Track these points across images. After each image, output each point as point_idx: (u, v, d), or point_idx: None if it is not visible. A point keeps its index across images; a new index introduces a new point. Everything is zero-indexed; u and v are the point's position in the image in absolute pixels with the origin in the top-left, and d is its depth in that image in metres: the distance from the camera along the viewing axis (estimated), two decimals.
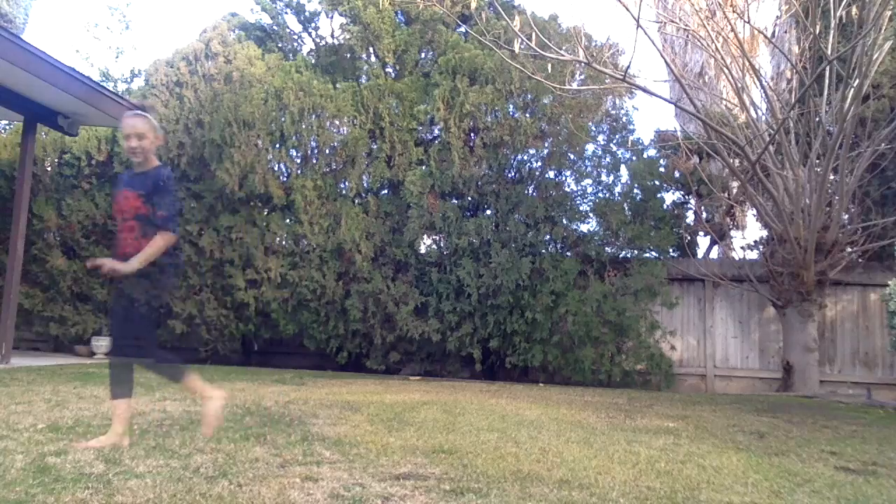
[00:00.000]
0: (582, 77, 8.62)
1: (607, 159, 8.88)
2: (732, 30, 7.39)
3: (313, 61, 10.04)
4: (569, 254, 8.61)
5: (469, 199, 8.68)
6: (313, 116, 8.74)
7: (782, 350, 8.37)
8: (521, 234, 8.28)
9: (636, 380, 8.28)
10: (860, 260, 8.52)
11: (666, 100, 8.89)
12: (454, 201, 8.67)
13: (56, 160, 9.73)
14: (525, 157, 8.81)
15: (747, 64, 7.59)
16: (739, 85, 7.86)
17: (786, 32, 9.56)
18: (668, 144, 9.11)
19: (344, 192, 8.90)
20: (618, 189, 8.85)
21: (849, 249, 8.23)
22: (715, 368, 8.89)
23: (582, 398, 6.19)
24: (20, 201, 7.39)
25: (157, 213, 3.11)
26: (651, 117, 34.93)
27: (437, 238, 8.79)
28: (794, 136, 8.02)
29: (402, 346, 8.65)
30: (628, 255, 8.61)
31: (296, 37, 10.88)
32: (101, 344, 8.91)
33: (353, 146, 8.70)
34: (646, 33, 6.20)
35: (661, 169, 9.09)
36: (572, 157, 8.75)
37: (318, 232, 8.66)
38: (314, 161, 8.89)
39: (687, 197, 9.41)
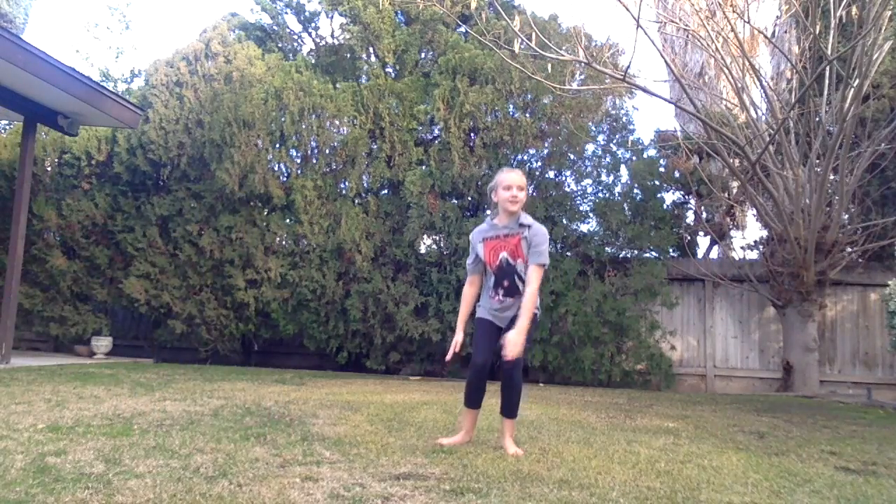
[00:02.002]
0: (582, 77, 8.61)
1: (607, 159, 8.87)
2: (732, 30, 7.39)
3: (313, 61, 10.04)
4: (569, 254, 8.60)
5: (469, 198, 8.67)
6: (313, 116, 8.74)
7: (782, 350, 8.37)
8: None
9: (636, 380, 8.28)
10: (860, 260, 8.52)
11: (666, 100, 8.88)
12: (454, 201, 8.67)
13: (56, 160, 9.73)
14: (525, 157, 8.81)
15: (747, 64, 7.59)
16: (739, 85, 7.86)
17: (786, 32, 9.56)
18: (668, 144, 9.10)
19: (344, 192, 8.89)
20: (618, 189, 8.84)
21: (849, 249, 8.23)
22: (715, 368, 8.89)
23: (582, 398, 6.19)
24: (20, 201, 7.39)
25: None
26: (651, 117, 34.96)
27: (437, 238, 8.78)
28: (794, 136, 8.02)
29: (402, 346, 8.64)
30: (628, 255, 8.60)
31: (296, 37, 10.87)
32: (101, 344, 8.90)
33: (353, 146, 8.70)
34: (646, 33, 6.20)
35: (661, 169, 9.08)
36: (572, 157, 8.74)
37: (318, 232, 8.65)
38: (314, 161, 8.88)
39: (687, 197, 9.41)
